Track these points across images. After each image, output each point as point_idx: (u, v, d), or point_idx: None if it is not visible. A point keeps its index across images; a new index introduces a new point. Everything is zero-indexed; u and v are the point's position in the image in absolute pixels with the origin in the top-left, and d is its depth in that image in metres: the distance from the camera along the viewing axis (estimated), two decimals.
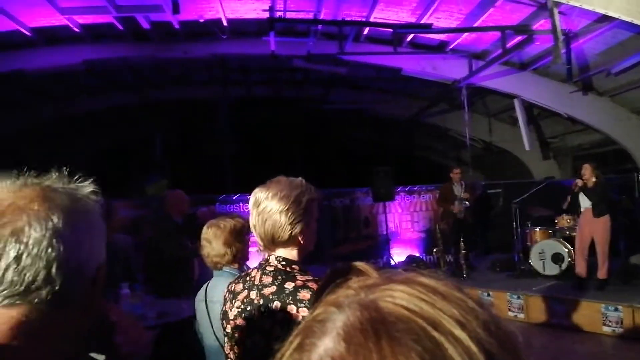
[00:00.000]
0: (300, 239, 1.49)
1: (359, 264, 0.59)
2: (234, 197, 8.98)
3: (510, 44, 7.40)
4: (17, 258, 0.58)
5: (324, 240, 9.19)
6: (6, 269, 0.58)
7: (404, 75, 9.04)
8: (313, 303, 1.36)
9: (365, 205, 9.74)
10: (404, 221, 9.84)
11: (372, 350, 0.35)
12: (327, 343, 0.38)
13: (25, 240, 0.59)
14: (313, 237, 1.57)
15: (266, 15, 7.22)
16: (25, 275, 0.58)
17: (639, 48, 7.12)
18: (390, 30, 7.52)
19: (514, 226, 8.14)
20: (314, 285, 1.41)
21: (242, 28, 8.07)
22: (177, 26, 7.49)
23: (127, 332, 0.74)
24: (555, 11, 6.13)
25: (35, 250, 0.59)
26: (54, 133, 10.82)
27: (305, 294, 1.39)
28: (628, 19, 5.77)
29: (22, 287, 0.58)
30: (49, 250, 0.60)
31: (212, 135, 10.73)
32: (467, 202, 7.83)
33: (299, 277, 1.45)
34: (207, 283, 2.41)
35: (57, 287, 0.60)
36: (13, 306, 0.59)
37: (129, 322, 0.77)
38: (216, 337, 2.14)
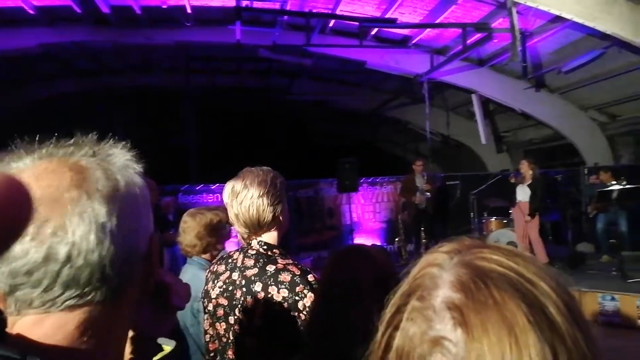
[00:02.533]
0: (281, 218, 1.60)
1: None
2: (197, 188, 8.87)
3: (470, 40, 7.67)
4: (68, 259, 0.53)
5: (289, 230, 9.24)
6: (59, 273, 0.53)
7: (367, 68, 9.20)
8: (293, 285, 1.46)
9: (329, 196, 9.87)
10: (367, 212, 10.04)
11: (487, 295, 0.44)
12: (445, 292, 0.46)
13: (71, 238, 0.53)
14: (288, 217, 1.68)
15: (232, 3, 7.15)
16: (80, 276, 0.53)
17: (589, 48, 7.57)
18: (356, 23, 7.62)
19: (472, 216, 8.51)
20: (294, 269, 1.50)
21: (206, 16, 7.95)
22: (138, 11, 7.29)
23: (178, 291, 0.74)
24: (514, 10, 6.41)
25: (85, 247, 0.53)
26: (6, 120, 10.30)
27: (285, 277, 1.47)
28: (580, 21, 6.14)
29: (80, 290, 0.54)
30: (99, 244, 0.54)
31: (175, 124, 10.54)
32: (428, 194, 8.10)
33: (280, 260, 1.54)
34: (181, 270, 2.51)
35: (115, 282, 0.56)
36: (74, 308, 0.55)
37: (176, 280, 0.77)
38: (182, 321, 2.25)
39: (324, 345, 1.15)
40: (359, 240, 9.42)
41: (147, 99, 11.10)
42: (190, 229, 2.40)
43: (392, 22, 7.62)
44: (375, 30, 8.42)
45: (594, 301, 5.61)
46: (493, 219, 8.14)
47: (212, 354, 1.66)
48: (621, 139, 9.94)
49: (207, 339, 1.68)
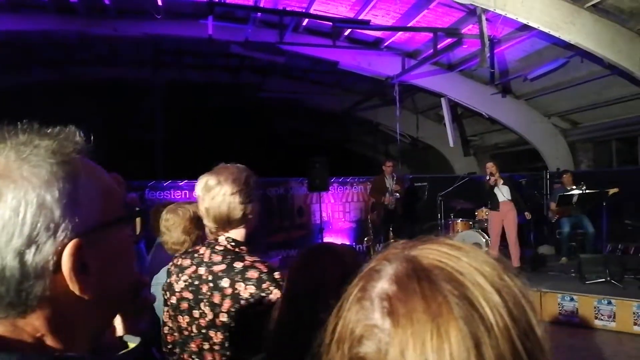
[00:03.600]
0: (250, 217, 1.63)
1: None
2: (165, 184, 8.71)
3: (440, 45, 7.80)
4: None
5: (258, 229, 9.18)
6: None
7: (340, 68, 9.23)
8: (260, 282, 1.48)
9: (299, 195, 9.86)
10: (337, 211, 10.09)
11: (416, 287, 0.47)
12: (383, 285, 0.50)
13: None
14: (257, 216, 1.70)
15: None
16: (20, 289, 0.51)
17: (553, 57, 7.84)
18: (329, 23, 7.64)
19: (439, 217, 8.67)
20: (261, 266, 1.53)
21: (177, 9, 7.79)
22: (107, 1, 7.10)
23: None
24: (483, 17, 6.57)
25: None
26: None
27: (252, 273, 1.51)
28: (546, 30, 6.34)
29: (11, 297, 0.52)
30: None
31: (143, 118, 10.30)
32: (397, 194, 8.20)
33: (247, 257, 1.57)
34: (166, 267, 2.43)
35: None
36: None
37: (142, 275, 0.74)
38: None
39: (289, 343, 1.15)
40: (328, 239, 9.46)
41: (114, 91, 10.81)
42: (174, 225, 2.31)
43: (365, 24, 7.68)
44: (349, 31, 8.47)
45: (554, 301, 5.82)
46: (459, 220, 8.32)
47: (169, 346, 1.68)
48: (581, 146, 10.34)
49: (166, 331, 1.69)
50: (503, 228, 7.17)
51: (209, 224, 1.62)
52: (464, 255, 0.50)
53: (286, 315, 1.20)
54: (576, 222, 7.41)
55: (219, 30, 7.68)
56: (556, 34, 6.39)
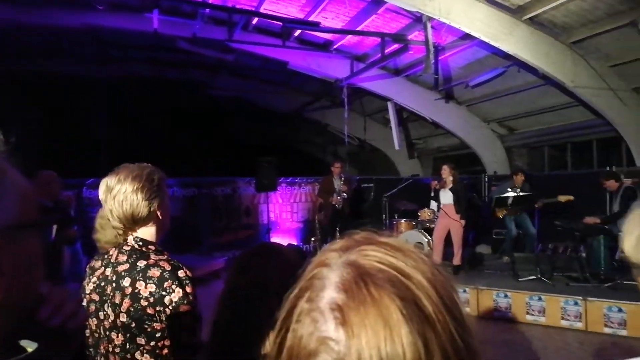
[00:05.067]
0: (158, 214, 1.60)
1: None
2: None
3: (388, 50, 7.99)
4: None
5: (203, 229, 9.02)
6: None
7: (290, 69, 9.24)
8: (161, 281, 1.46)
9: (247, 194, 9.77)
10: (285, 211, 10.08)
11: (365, 294, 0.47)
12: (331, 294, 0.49)
13: None
14: (169, 214, 1.67)
15: None
16: None
17: (493, 66, 8.23)
18: (280, 23, 7.63)
19: (384, 218, 8.88)
20: (165, 264, 1.51)
21: (121, 0, 7.52)
22: None
23: (57, 304, 0.68)
24: (429, 25, 6.80)
25: None
26: None
27: (155, 272, 1.49)
28: (486, 40, 6.66)
29: None
30: None
31: (84, 114, 9.80)
32: (345, 195, 8.32)
33: (152, 256, 1.55)
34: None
35: None
36: None
37: (60, 293, 0.70)
38: None
39: (227, 346, 1.12)
40: (275, 239, 9.43)
41: (54, 86, 10.22)
42: (108, 224, 2.24)
43: (315, 26, 7.73)
44: (299, 32, 8.49)
45: (490, 298, 6.11)
46: (403, 220, 8.55)
47: (90, 349, 1.65)
48: (517, 151, 10.92)
49: (87, 334, 1.65)
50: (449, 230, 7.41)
51: (115, 225, 1.59)
52: (402, 255, 0.51)
53: (224, 318, 1.16)
54: (520, 221, 7.76)
55: (166, 25, 7.47)
56: (496, 44, 6.73)
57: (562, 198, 6.88)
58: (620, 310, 5.27)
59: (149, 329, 1.46)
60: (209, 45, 8.06)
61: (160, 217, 1.61)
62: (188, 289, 1.48)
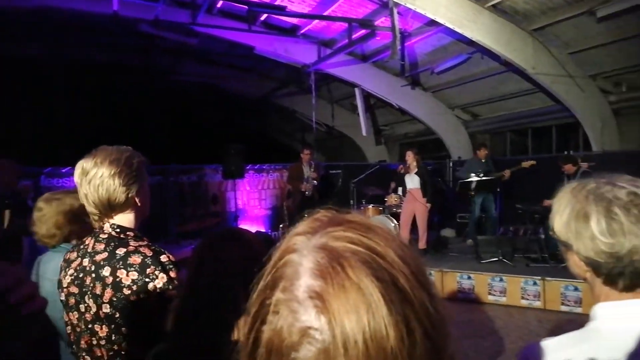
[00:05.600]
0: (137, 200, 1.53)
1: None
2: (63, 170, 8.06)
3: (355, 36, 7.98)
4: None
5: (169, 217, 8.86)
6: None
7: (256, 54, 9.10)
8: (143, 267, 1.41)
9: (214, 182, 9.64)
10: (252, 199, 10.02)
11: (343, 278, 0.46)
12: (306, 281, 0.47)
13: None
14: (148, 200, 1.61)
15: None
16: None
17: (457, 53, 8.36)
18: (245, 7, 7.48)
19: (351, 203, 8.95)
20: (146, 250, 1.45)
21: None
22: None
23: (13, 282, 0.65)
24: (395, 11, 6.82)
25: None
26: None
27: (136, 259, 1.43)
28: (451, 26, 6.74)
29: None
30: None
31: (42, 101, 9.38)
32: (315, 181, 8.34)
33: (132, 242, 1.48)
34: (39, 257, 2.24)
35: None
36: None
37: (16, 272, 0.67)
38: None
39: (189, 335, 1.09)
40: (243, 227, 9.38)
41: (7, 69, 9.72)
42: (46, 217, 2.12)
43: (281, 10, 7.63)
44: (265, 16, 8.35)
45: (454, 280, 6.29)
46: (370, 206, 8.64)
47: (73, 346, 1.57)
48: (480, 136, 11.17)
49: (68, 331, 1.58)
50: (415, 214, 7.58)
51: (90, 210, 1.51)
52: (373, 234, 0.51)
53: (187, 306, 1.13)
54: (485, 203, 7.99)
55: (126, 7, 7.21)
56: (460, 31, 6.83)
57: (526, 164, 7.29)
58: (576, 289, 5.53)
59: (135, 319, 1.40)
60: (172, 28, 7.82)
61: (139, 204, 1.54)
62: (172, 274, 1.42)
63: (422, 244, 7.44)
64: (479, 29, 6.88)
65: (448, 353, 0.50)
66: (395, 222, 7.96)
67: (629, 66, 7.43)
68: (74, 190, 2.31)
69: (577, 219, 0.95)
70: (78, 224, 2.15)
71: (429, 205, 7.31)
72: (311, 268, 0.48)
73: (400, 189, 8.10)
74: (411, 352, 0.45)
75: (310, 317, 0.46)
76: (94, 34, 9.23)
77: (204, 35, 8.25)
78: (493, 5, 6.80)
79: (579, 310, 5.49)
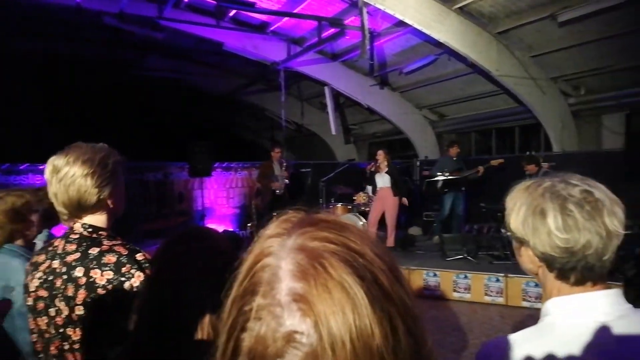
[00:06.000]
0: (109, 202, 1.47)
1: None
2: (21, 167, 7.76)
3: (325, 34, 7.98)
4: None
5: (134, 215, 8.65)
6: None
7: (225, 50, 8.98)
8: (118, 266, 1.36)
9: (180, 180, 9.47)
10: (220, 197, 9.89)
11: (326, 279, 0.45)
12: (288, 284, 0.46)
13: None
14: (122, 200, 1.54)
15: None
16: None
17: (425, 54, 8.48)
18: (214, 2, 7.37)
19: (320, 202, 8.95)
20: (120, 249, 1.40)
21: None
22: None
23: None
24: (364, 10, 6.85)
25: None
26: None
27: (110, 258, 1.38)
28: (419, 27, 6.84)
29: None
30: None
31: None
32: (287, 180, 8.31)
33: (105, 242, 1.43)
34: None
35: None
36: None
37: None
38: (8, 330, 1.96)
39: (149, 336, 1.05)
40: (210, 226, 9.25)
41: None
42: None
43: (250, 6, 7.56)
44: (234, 12, 8.25)
45: (420, 277, 6.39)
46: (339, 204, 8.67)
47: (40, 356, 1.47)
48: (447, 136, 11.39)
49: (34, 339, 1.47)
50: (383, 212, 7.70)
51: (59, 209, 1.45)
52: (348, 232, 0.50)
53: (148, 305, 1.09)
54: (455, 201, 8.15)
55: None
56: (427, 32, 6.93)
57: (494, 162, 7.68)
58: (536, 285, 5.70)
59: (111, 320, 1.33)
60: (137, 22, 7.63)
61: (111, 206, 1.48)
62: (149, 272, 1.35)
63: (390, 242, 7.53)
64: (446, 30, 7.00)
65: (427, 348, 0.50)
66: (364, 220, 8.02)
67: (588, 70, 7.72)
68: (18, 189, 2.24)
69: (534, 216, 0.96)
70: (21, 223, 2.11)
71: (405, 200, 7.47)
72: (291, 270, 0.46)
73: (369, 188, 8.18)
74: (395, 348, 0.45)
75: (294, 320, 0.44)
76: (55, 25, 8.91)
77: (171, 30, 8.09)
78: (460, 8, 6.93)
79: (539, 305, 5.57)
